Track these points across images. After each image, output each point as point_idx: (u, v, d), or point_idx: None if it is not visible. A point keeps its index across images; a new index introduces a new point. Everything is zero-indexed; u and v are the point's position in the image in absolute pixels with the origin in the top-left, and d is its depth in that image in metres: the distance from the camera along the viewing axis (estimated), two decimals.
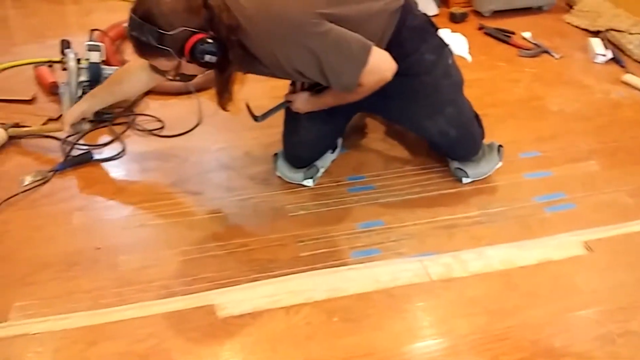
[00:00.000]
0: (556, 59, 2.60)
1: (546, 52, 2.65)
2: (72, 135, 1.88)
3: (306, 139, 1.73)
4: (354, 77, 1.43)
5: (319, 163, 1.80)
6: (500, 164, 1.83)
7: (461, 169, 1.79)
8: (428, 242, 1.61)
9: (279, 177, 1.81)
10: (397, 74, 1.49)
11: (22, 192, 1.72)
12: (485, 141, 1.84)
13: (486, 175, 1.82)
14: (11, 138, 1.92)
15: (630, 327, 1.38)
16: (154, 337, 1.33)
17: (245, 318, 1.38)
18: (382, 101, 1.61)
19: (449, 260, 1.55)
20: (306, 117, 1.69)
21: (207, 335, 1.34)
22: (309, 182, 1.78)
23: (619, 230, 1.65)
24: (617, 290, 1.47)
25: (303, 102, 1.66)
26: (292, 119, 1.73)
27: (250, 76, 2.39)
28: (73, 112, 1.78)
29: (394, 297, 1.44)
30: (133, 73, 1.72)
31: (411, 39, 1.58)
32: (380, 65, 1.46)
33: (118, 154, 1.91)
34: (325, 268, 1.52)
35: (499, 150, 1.82)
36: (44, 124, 2.03)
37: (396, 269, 1.52)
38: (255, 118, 1.70)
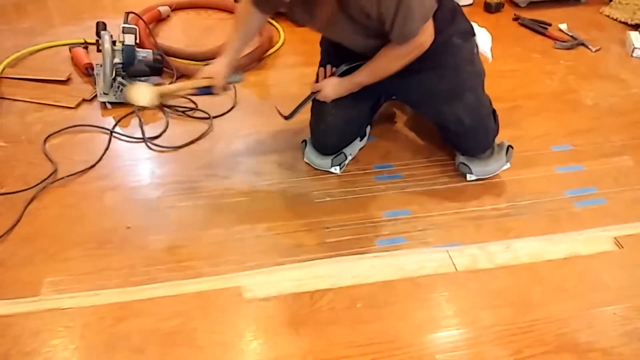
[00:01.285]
0: (593, 52, 2.55)
1: (583, 44, 2.59)
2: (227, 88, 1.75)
3: (333, 125, 1.74)
4: (417, 27, 1.47)
5: (347, 150, 1.81)
6: (507, 165, 1.79)
7: (466, 165, 1.76)
8: (455, 233, 1.60)
9: (307, 163, 1.82)
10: (425, 51, 1.53)
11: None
12: (497, 140, 1.80)
13: (491, 175, 1.78)
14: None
15: None
16: (181, 315, 1.35)
17: (270, 301, 1.40)
18: (405, 81, 1.62)
19: (475, 251, 1.54)
20: (333, 104, 1.70)
21: (232, 316, 1.36)
22: (336, 169, 1.79)
23: None
24: None
25: (332, 87, 1.66)
26: (319, 107, 1.74)
27: (281, 62, 2.41)
28: (223, 67, 1.67)
29: (419, 286, 1.44)
30: (251, 12, 1.64)
31: (443, 19, 1.58)
32: (429, 29, 1.50)
33: (160, 134, 1.95)
34: (351, 255, 1.53)
35: (507, 151, 1.78)
36: (78, 105, 2.07)
37: (421, 258, 1.52)
38: (285, 117, 1.71)
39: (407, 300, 1.41)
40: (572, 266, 1.51)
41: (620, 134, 2.01)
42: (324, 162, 1.79)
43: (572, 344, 1.32)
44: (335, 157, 1.78)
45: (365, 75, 1.62)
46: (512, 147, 1.79)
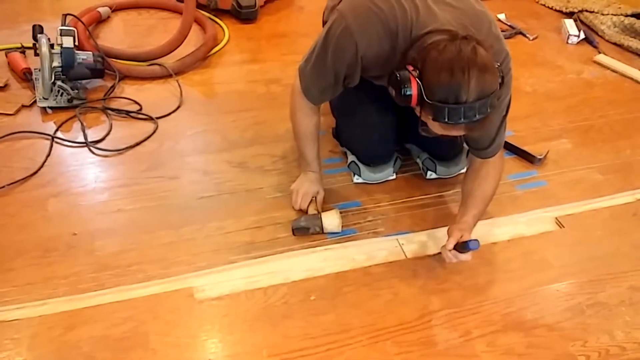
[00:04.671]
0: (530, 40, 2.63)
1: (520, 33, 2.67)
2: None
3: (387, 130, 1.70)
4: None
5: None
6: (465, 169, 1.77)
7: (432, 162, 1.77)
8: (403, 221, 1.63)
9: (363, 183, 1.76)
10: None
11: None
12: None
13: (451, 176, 1.79)
14: None
15: (598, 298, 1.43)
16: (132, 320, 1.33)
17: (223, 300, 1.39)
18: None
19: (423, 238, 1.57)
20: (376, 113, 1.66)
21: (185, 318, 1.35)
22: (393, 175, 1.78)
23: (588, 206, 1.70)
24: (586, 264, 1.52)
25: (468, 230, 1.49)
26: (363, 121, 1.69)
27: (226, 60, 2.39)
28: (319, 184, 1.68)
29: (370, 275, 1.47)
30: (313, 113, 1.59)
31: None
32: None
33: (103, 138, 1.90)
34: (303, 249, 1.54)
35: (468, 155, 1.77)
36: (17, 111, 2.01)
37: (372, 248, 1.54)
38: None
39: (359, 290, 1.43)
40: (516, 247, 1.56)
41: (558, 118, 2.09)
42: (384, 173, 1.75)
43: (519, 322, 1.37)
44: (394, 164, 1.77)
45: (484, 207, 1.56)
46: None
